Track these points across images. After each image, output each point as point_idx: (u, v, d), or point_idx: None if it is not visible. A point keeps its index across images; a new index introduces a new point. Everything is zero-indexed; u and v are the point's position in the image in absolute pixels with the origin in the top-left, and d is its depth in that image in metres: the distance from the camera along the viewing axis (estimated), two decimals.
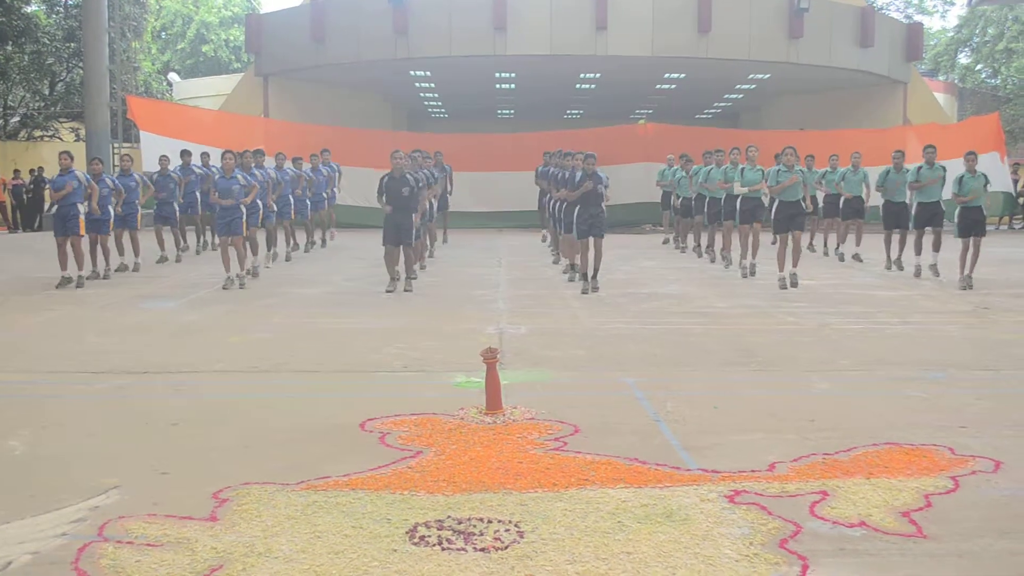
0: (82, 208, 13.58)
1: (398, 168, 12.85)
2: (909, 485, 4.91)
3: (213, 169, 17.54)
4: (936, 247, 14.34)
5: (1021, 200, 27.78)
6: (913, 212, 14.69)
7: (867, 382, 7.51)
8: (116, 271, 14.93)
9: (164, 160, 17.57)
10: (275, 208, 15.87)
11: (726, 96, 34.51)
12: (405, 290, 12.96)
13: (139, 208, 15.75)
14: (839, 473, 5.12)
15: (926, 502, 4.66)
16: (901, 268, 15.20)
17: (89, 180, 13.82)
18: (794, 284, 13.04)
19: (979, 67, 47.45)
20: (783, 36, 26.61)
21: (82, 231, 13.56)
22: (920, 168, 14.40)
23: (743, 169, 14.73)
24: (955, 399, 6.90)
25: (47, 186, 24.81)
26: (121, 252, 15.30)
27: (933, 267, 14.31)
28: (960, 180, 13.53)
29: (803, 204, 13.47)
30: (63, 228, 13.46)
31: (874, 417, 6.34)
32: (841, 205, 17.55)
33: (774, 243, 14.03)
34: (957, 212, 13.66)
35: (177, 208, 17.14)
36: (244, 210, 13.35)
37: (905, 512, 4.53)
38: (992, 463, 5.29)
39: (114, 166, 24.13)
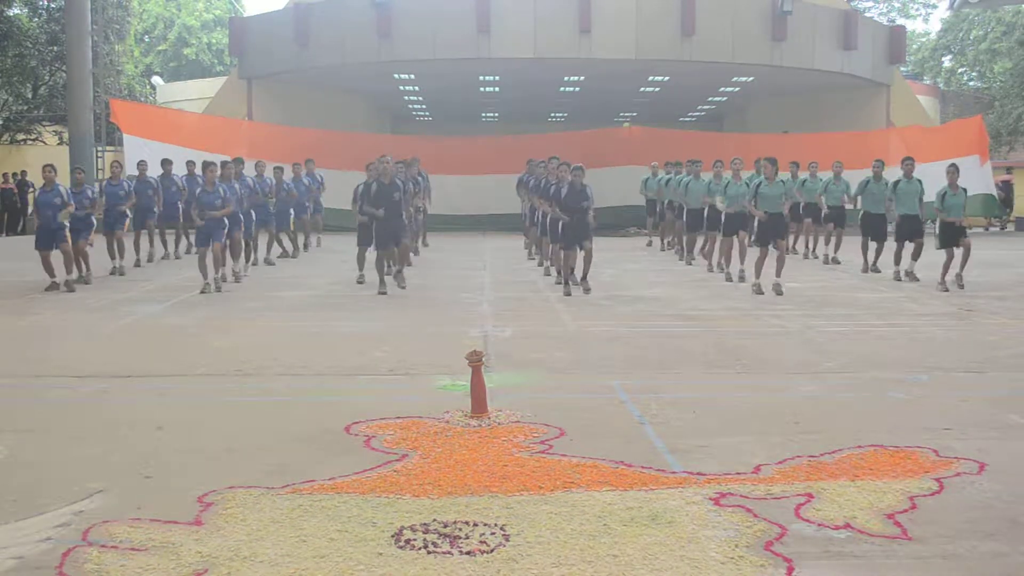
0: (67, 223, 13.53)
1: (387, 174, 12.89)
2: (894, 487, 4.93)
3: (197, 178, 17.42)
4: (916, 256, 14.35)
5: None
6: (894, 225, 14.76)
7: (852, 384, 7.53)
8: (110, 273, 14.98)
9: (143, 166, 17.40)
10: (253, 216, 15.60)
11: (710, 99, 34.53)
12: (399, 286, 13.00)
13: (128, 213, 15.77)
14: (824, 475, 5.13)
15: (911, 504, 4.68)
16: (878, 271, 15.22)
17: (69, 197, 13.64)
18: (779, 293, 12.84)
19: (962, 70, 47.67)
20: (766, 39, 26.63)
21: (67, 240, 13.50)
22: (898, 182, 14.46)
23: (727, 184, 14.58)
24: (939, 401, 6.93)
25: (31, 191, 24.69)
26: (113, 256, 15.24)
27: (910, 273, 14.31)
28: (943, 197, 13.60)
29: (784, 215, 13.39)
30: (49, 242, 13.40)
31: (859, 419, 6.36)
32: (823, 214, 17.62)
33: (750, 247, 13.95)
34: (937, 225, 13.76)
35: (157, 212, 17.06)
36: (227, 222, 13.25)
37: (890, 514, 4.54)
38: (976, 465, 5.31)
39: (97, 170, 24.02)
